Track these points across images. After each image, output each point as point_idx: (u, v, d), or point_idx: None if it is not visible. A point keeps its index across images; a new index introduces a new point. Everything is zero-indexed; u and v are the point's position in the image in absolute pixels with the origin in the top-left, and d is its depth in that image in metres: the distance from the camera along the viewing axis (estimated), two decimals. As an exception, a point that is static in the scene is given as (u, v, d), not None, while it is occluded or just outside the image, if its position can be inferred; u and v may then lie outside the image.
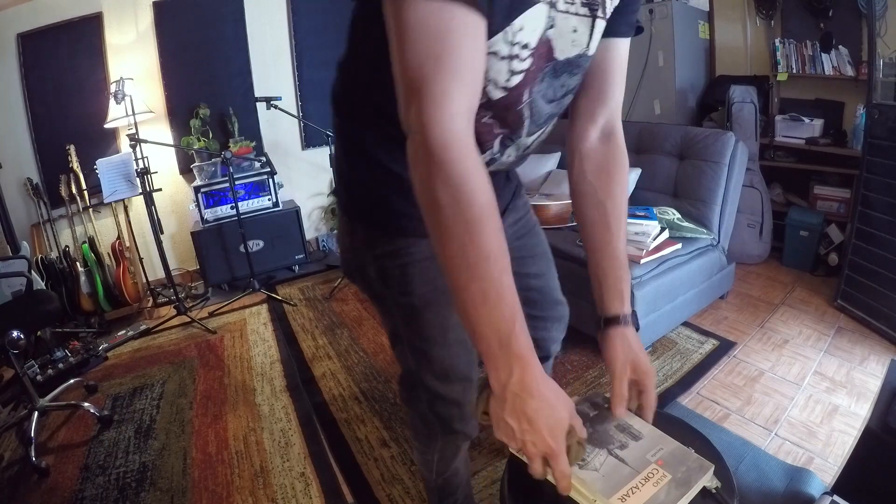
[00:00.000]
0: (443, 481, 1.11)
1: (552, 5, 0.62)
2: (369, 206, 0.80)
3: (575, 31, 0.67)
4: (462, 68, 0.53)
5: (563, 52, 0.68)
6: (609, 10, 0.69)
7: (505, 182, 0.95)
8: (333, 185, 0.77)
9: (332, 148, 0.88)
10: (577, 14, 0.66)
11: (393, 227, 0.79)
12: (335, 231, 3.89)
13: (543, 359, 1.27)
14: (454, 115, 0.53)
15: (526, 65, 0.64)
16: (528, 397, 0.55)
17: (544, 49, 0.66)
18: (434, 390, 0.90)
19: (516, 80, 0.65)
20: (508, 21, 0.58)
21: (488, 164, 0.77)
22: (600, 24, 0.69)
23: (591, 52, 0.72)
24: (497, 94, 0.66)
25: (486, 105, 0.66)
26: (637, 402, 0.76)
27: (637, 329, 0.79)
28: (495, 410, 0.58)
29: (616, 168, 0.82)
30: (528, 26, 0.61)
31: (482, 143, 0.72)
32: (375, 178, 0.77)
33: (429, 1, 0.51)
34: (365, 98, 0.75)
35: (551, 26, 0.64)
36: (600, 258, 0.80)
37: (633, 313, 0.79)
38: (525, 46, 0.62)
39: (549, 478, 0.60)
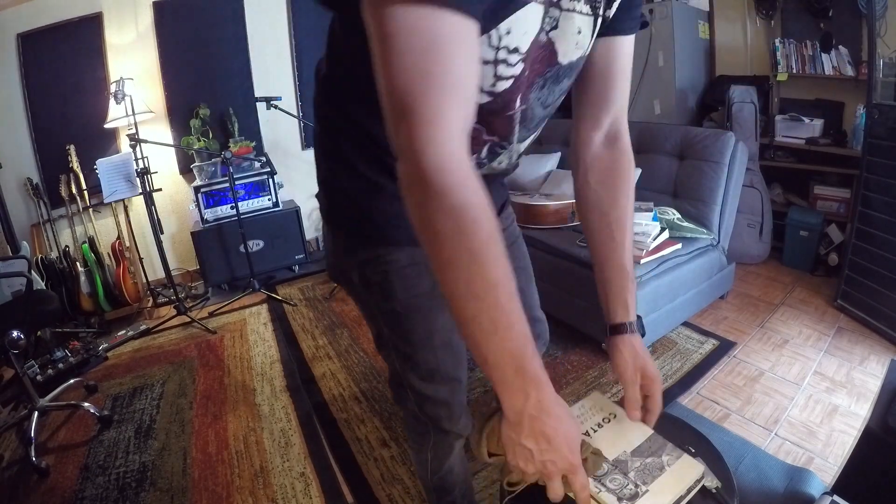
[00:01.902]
0: (438, 480, 1.11)
1: (553, 4, 0.58)
2: (349, 214, 0.78)
3: (579, 31, 0.63)
4: (456, 83, 0.48)
5: (566, 55, 0.65)
6: (613, 8, 0.66)
7: (499, 188, 0.94)
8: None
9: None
10: (581, 13, 0.62)
11: (373, 236, 0.77)
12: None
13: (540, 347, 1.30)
14: (449, 136, 0.48)
15: (515, 70, 0.60)
16: (546, 417, 0.55)
17: (546, 53, 0.62)
18: (421, 392, 0.90)
19: (503, 85, 0.62)
20: (493, 24, 0.54)
21: (478, 169, 0.75)
22: (600, 23, 0.67)
23: (588, 52, 0.69)
24: (482, 99, 0.62)
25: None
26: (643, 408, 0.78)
27: (643, 335, 0.80)
28: (509, 436, 0.58)
29: (621, 176, 0.80)
30: (517, 30, 0.56)
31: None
32: (354, 187, 0.75)
33: (415, 7, 0.45)
34: (343, 108, 0.72)
35: (554, 27, 0.60)
36: (605, 268, 0.80)
37: (639, 319, 0.80)
38: (514, 51, 0.58)
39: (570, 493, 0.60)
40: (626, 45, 0.74)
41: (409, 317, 0.82)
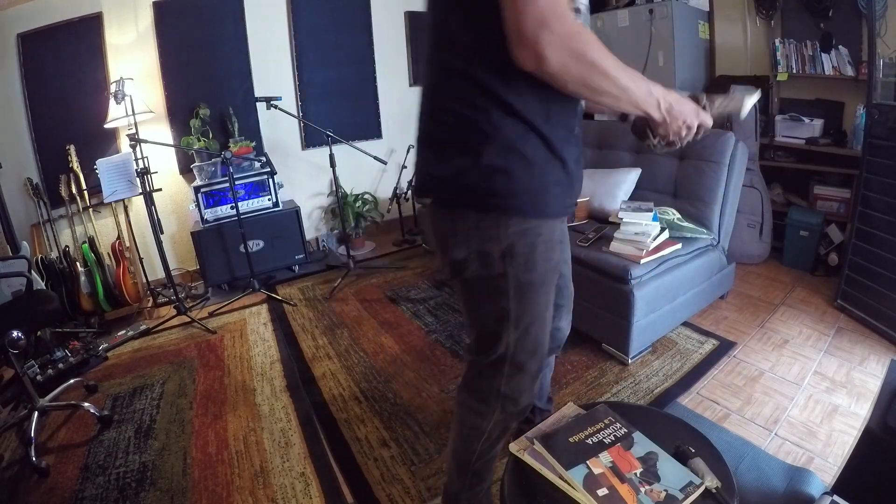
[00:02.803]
0: (482, 464, 1.14)
1: None
2: (504, 190, 0.87)
3: None
4: None
5: None
6: None
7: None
8: (449, 175, 0.84)
9: (426, 141, 0.95)
10: None
11: (528, 209, 0.89)
12: (335, 231, 3.90)
13: (555, 349, 1.43)
14: (570, 17, 0.73)
15: None
16: (675, 102, 0.87)
17: None
18: (521, 364, 1.00)
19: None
20: None
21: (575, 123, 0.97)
22: None
23: None
24: None
25: None
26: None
27: None
28: (665, 128, 0.89)
29: None
30: None
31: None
32: (511, 164, 0.86)
33: None
34: (491, 92, 0.83)
35: None
36: None
37: None
38: None
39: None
40: None
41: (541, 287, 0.97)
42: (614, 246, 2.02)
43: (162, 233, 2.86)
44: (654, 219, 2.07)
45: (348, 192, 3.75)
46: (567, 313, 1.37)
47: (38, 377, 2.19)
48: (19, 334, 1.67)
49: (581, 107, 1.00)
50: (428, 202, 0.96)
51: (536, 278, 0.94)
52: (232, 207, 2.94)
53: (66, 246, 2.82)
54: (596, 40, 0.75)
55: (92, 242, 2.84)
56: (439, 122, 0.89)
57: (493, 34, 0.76)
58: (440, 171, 0.90)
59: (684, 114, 0.89)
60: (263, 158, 3.11)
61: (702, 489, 0.79)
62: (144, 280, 3.06)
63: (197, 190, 2.97)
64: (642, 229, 2.00)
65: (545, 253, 0.93)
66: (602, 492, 0.81)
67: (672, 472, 0.83)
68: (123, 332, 2.67)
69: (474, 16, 0.79)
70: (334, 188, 3.55)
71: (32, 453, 1.70)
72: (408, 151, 3.92)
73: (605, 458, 0.89)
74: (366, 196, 3.83)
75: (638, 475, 0.84)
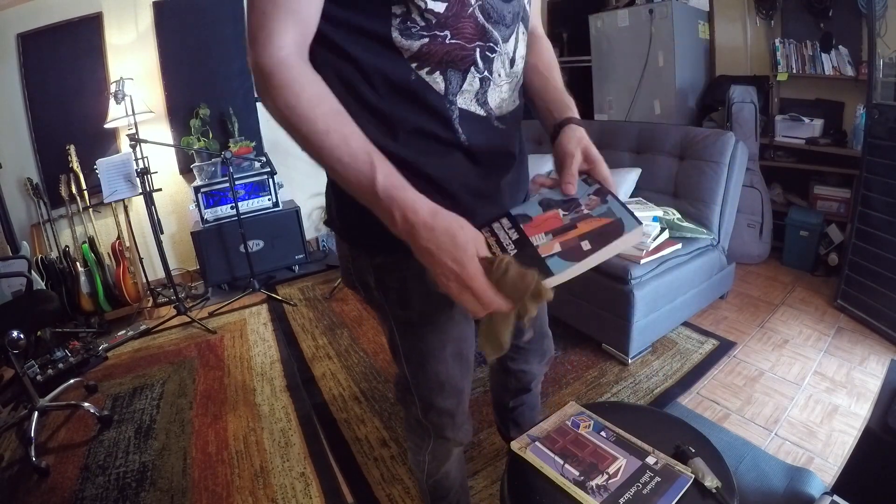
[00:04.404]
0: (434, 483, 1.12)
1: None
2: (368, 218, 0.71)
3: None
4: (287, 9, 0.59)
5: None
6: None
7: (511, 182, 0.85)
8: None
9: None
10: None
11: (391, 240, 0.70)
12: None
13: (522, 390, 1.27)
14: (280, 46, 0.59)
15: None
16: (418, 232, 0.57)
17: None
18: (428, 401, 0.92)
19: None
20: None
21: (482, 87, 0.70)
22: None
23: None
24: (438, 7, 0.62)
25: (437, 23, 0.63)
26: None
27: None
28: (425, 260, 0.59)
29: (539, 47, 0.88)
30: None
31: (465, 65, 0.68)
32: None
33: None
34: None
35: None
36: (543, 94, 0.84)
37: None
38: None
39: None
40: None
41: (424, 326, 0.83)
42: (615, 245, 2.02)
43: (162, 233, 2.86)
44: (655, 219, 2.07)
45: (348, 192, 3.74)
46: (536, 356, 1.16)
47: (38, 377, 2.19)
48: (19, 334, 1.67)
49: (488, 99, 0.73)
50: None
51: (415, 317, 0.82)
52: (232, 207, 2.94)
53: (66, 246, 2.82)
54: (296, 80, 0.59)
55: (92, 242, 2.84)
56: None
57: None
58: (326, 200, 0.85)
59: (439, 264, 0.57)
60: (263, 158, 3.11)
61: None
62: (144, 280, 3.06)
63: (197, 190, 2.97)
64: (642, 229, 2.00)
65: (422, 289, 0.74)
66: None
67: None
68: (123, 332, 2.67)
69: None
70: (334, 188, 3.55)
71: (32, 453, 1.70)
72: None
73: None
74: (366, 196, 3.83)
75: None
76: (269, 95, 0.60)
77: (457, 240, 0.56)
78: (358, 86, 0.66)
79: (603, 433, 0.94)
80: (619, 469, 0.81)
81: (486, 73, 0.70)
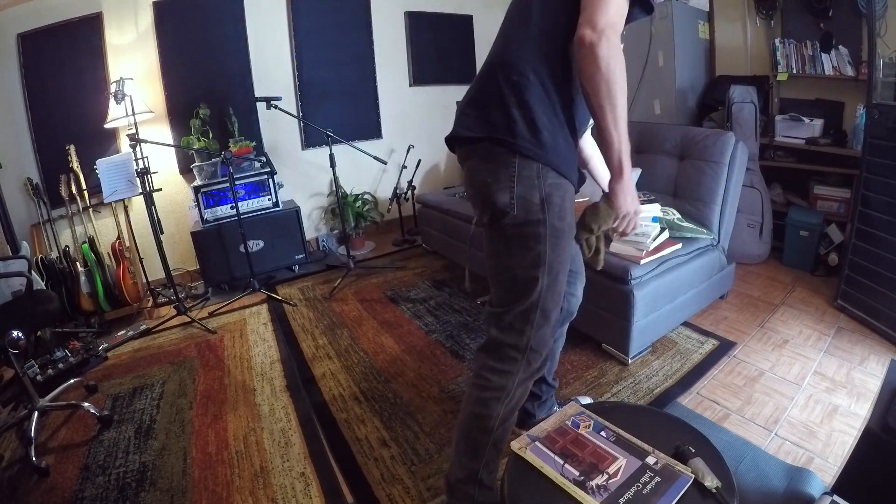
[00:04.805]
0: (502, 431, 1.13)
1: None
2: (552, 150, 1.04)
3: None
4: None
5: None
6: None
7: None
8: (501, 124, 1.03)
9: (515, 90, 1.10)
10: None
11: (564, 171, 1.06)
12: (335, 231, 3.90)
13: (567, 317, 1.52)
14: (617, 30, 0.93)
15: None
16: (628, 184, 1.08)
17: None
18: (549, 313, 1.10)
19: None
20: None
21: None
22: None
23: None
24: None
25: None
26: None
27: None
28: (623, 199, 1.08)
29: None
30: None
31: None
32: (561, 134, 1.06)
33: None
34: (561, 81, 1.05)
35: None
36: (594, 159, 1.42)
37: None
38: None
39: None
40: None
41: (569, 236, 1.10)
42: (614, 246, 2.02)
43: (162, 233, 2.86)
44: (654, 219, 2.07)
45: (348, 192, 3.75)
46: (579, 280, 1.47)
47: (38, 377, 2.19)
48: (19, 334, 1.67)
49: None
50: (474, 147, 1.11)
51: (566, 227, 1.08)
52: (232, 207, 2.94)
53: (66, 246, 2.82)
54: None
55: (92, 242, 2.84)
56: (507, 81, 1.04)
57: (568, 24, 0.97)
58: (497, 118, 1.04)
59: (635, 197, 1.10)
60: (263, 158, 3.11)
61: None
62: (144, 280, 3.06)
63: (197, 190, 2.97)
64: (642, 229, 2.00)
65: (570, 208, 1.09)
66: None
67: None
68: (123, 332, 2.67)
69: (558, 6, 1.02)
70: (334, 188, 3.55)
71: (32, 453, 1.70)
72: (408, 151, 3.92)
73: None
74: (366, 196, 3.83)
75: None
76: (614, 60, 0.92)
77: (635, 193, 1.11)
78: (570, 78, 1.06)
79: (603, 433, 0.93)
80: (619, 469, 0.80)
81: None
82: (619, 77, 0.92)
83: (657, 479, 0.78)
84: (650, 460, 0.81)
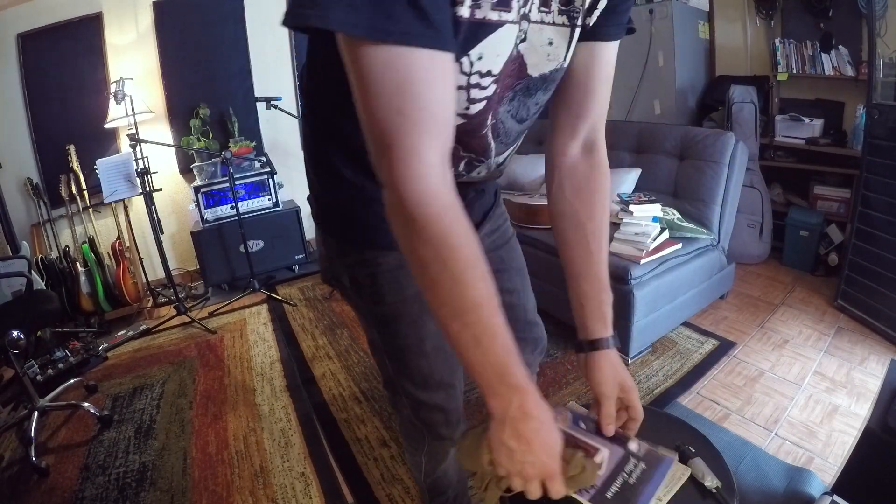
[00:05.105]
0: (431, 482, 1.12)
1: (524, 18, 0.56)
2: (337, 218, 0.79)
3: (551, 43, 0.61)
4: (431, 118, 0.49)
5: (536, 67, 0.63)
6: (594, 16, 0.63)
7: (478, 195, 0.90)
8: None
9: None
10: (553, 24, 0.59)
11: (360, 239, 0.78)
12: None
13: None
14: (428, 169, 0.50)
15: (488, 92, 0.60)
16: (527, 421, 0.57)
17: (514, 66, 0.60)
18: (416, 398, 0.89)
19: (476, 107, 0.62)
20: (465, 51, 0.54)
21: (457, 178, 0.66)
22: (577, 34, 0.64)
23: (567, 64, 0.67)
24: (456, 121, 0.60)
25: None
26: (623, 418, 0.79)
27: (619, 349, 0.80)
28: (496, 434, 0.59)
29: (597, 187, 0.78)
30: (489, 53, 0.56)
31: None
32: (342, 192, 0.76)
33: (386, 47, 0.45)
34: (326, 117, 0.72)
35: (522, 40, 0.58)
36: (581, 282, 0.79)
37: (614, 334, 0.80)
38: (487, 74, 0.58)
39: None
40: (607, 52, 0.70)
41: (399, 321, 0.82)
42: (614, 246, 2.02)
43: (162, 233, 2.86)
44: (654, 219, 2.07)
45: (348, 192, 3.74)
46: (526, 345, 1.07)
47: (38, 377, 2.19)
48: (19, 334, 1.67)
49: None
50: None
51: (388, 311, 0.82)
52: (232, 207, 2.93)
53: (66, 246, 2.82)
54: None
55: (92, 242, 2.84)
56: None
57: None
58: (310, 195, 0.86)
59: (530, 446, 0.57)
60: (263, 158, 3.11)
61: None
62: (144, 280, 3.06)
63: (197, 190, 2.97)
64: (642, 229, 2.00)
65: (392, 284, 0.79)
66: None
67: None
68: (123, 332, 2.67)
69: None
70: (334, 188, 3.55)
71: (32, 453, 1.70)
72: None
73: None
74: (366, 196, 3.83)
75: None
76: (412, 238, 0.53)
77: (556, 438, 0.60)
78: (351, 135, 0.62)
79: (581, 424, 0.91)
80: (601, 461, 0.79)
81: (464, 172, 0.75)
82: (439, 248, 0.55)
83: (642, 465, 0.77)
84: (632, 446, 0.80)
